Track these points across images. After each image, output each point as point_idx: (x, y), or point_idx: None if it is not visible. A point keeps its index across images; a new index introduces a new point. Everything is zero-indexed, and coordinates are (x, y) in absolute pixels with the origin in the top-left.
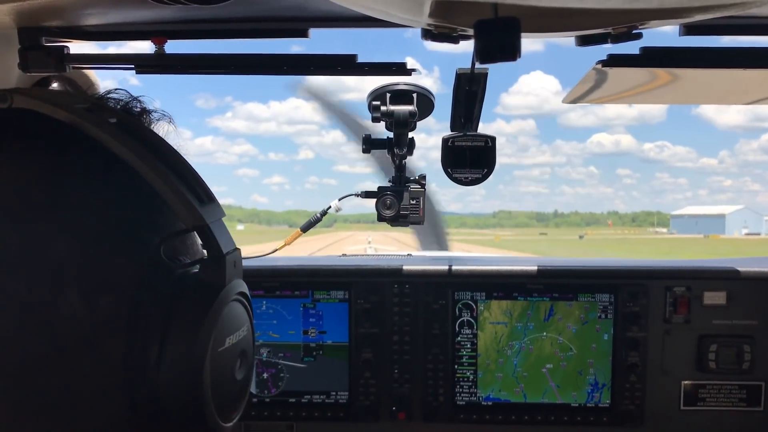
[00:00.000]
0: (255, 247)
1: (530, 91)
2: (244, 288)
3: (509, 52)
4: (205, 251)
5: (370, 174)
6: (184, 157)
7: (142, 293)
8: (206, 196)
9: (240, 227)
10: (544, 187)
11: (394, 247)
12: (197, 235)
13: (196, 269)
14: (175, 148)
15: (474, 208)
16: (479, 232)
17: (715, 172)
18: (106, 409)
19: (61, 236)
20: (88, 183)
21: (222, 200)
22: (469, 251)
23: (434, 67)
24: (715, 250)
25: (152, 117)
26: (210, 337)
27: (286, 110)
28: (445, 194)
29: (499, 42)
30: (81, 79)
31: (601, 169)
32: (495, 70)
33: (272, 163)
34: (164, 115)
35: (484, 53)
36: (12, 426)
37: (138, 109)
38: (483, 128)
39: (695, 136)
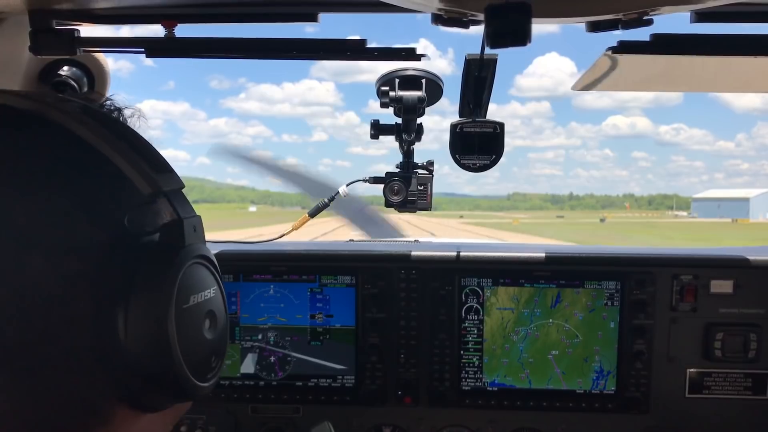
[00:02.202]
0: (266, 229)
1: (545, 73)
2: (208, 253)
3: (520, 37)
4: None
5: (384, 155)
6: (137, 130)
7: (107, 258)
8: (162, 167)
9: (252, 209)
10: (559, 170)
11: (405, 231)
12: (161, 206)
13: (157, 235)
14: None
15: (488, 191)
16: (493, 215)
17: (732, 156)
18: (78, 368)
19: (23, 206)
20: (51, 159)
21: (236, 182)
22: (490, 237)
23: (449, 49)
24: (753, 236)
25: (125, 114)
26: (172, 292)
27: (300, 91)
28: (459, 177)
29: (509, 27)
30: (91, 62)
31: (617, 152)
32: (509, 52)
33: (286, 144)
34: (137, 112)
35: (494, 38)
36: None
37: (112, 107)
38: (498, 110)
39: (712, 118)
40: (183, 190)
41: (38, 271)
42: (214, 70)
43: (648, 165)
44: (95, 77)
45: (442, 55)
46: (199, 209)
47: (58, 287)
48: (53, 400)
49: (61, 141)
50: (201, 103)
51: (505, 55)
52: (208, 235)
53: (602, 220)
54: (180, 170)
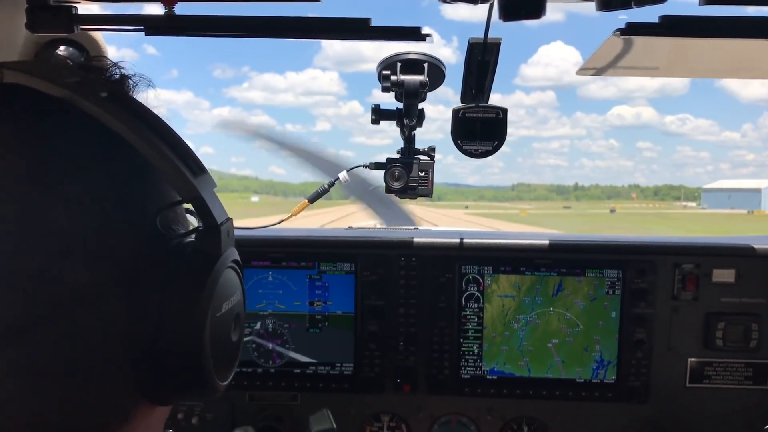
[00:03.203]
0: (268, 219)
1: (550, 62)
2: (237, 256)
3: (534, 8)
4: (193, 220)
5: (388, 145)
6: (172, 127)
7: (141, 261)
8: (198, 168)
9: (255, 198)
10: (564, 160)
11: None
12: (189, 206)
13: (190, 239)
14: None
15: (492, 181)
16: (499, 206)
17: (738, 146)
18: (109, 372)
19: (63, 210)
20: (86, 158)
21: (240, 171)
22: (498, 228)
23: (453, 37)
24: None
25: (132, 81)
26: (209, 303)
27: (303, 81)
28: (464, 166)
29: None
30: (88, 41)
31: (622, 142)
32: (513, 40)
33: (289, 134)
34: (143, 79)
35: (507, 9)
36: (15, 389)
37: (118, 76)
38: (502, 100)
39: (718, 108)
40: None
41: (74, 275)
42: (218, 59)
43: (653, 155)
44: (92, 57)
45: (446, 44)
46: None
47: (94, 291)
48: (80, 403)
49: (95, 138)
50: (204, 92)
51: (508, 44)
52: None
53: (612, 211)
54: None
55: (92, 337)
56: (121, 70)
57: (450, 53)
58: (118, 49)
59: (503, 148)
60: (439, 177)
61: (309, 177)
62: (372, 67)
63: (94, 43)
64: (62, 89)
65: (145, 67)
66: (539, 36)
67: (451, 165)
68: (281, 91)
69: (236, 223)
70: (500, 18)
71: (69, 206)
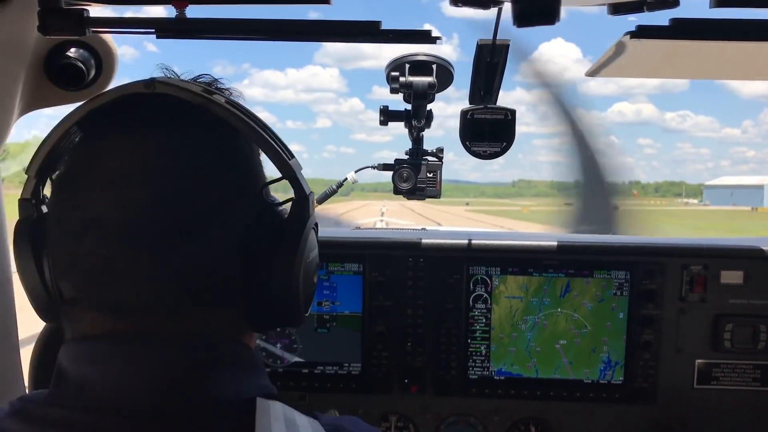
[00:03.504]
0: None
1: (550, 58)
2: (317, 221)
3: (548, 14)
4: (276, 196)
5: (389, 142)
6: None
7: (256, 222)
8: (290, 154)
9: None
10: (564, 157)
11: (409, 219)
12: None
13: (287, 207)
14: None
15: (493, 178)
16: (500, 202)
17: (738, 143)
18: (226, 313)
19: (212, 184)
20: (222, 148)
21: None
22: (502, 226)
23: (453, 34)
24: None
25: (232, 92)
26: (303, 252)
27: (304, 78)
28: (464, 163)
29: (537, 4)
30: (99, 43)
31: (622, 139)
32: (514, 36)
33: (290, 131)
34: (239, 95)
35: (522, 16)
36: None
37: (224, 88)
38: (503, 96)
39: (718, 105)
40: None
41: (218, 234)
42: (218, 56)
43: (653, 152)
44: (102, 60)
45: (447, 40)
46: None
47: (233, 247)
48: (215, 316)
49: (221, 133)
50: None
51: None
52: None
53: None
54: None
55: (221, 249)
56: (222, 84)
57: (450, 50)
58: (119, 46)
59: None
60: None
61: (309, 173)
62: (372, 63)
63: (105, 45)
64: (197, 97)
65: (145, 65)
66: (540, 33)
67: (452, 161)
68: (281, 87)
69: None
70: (514, 24)
71: (217, 182)
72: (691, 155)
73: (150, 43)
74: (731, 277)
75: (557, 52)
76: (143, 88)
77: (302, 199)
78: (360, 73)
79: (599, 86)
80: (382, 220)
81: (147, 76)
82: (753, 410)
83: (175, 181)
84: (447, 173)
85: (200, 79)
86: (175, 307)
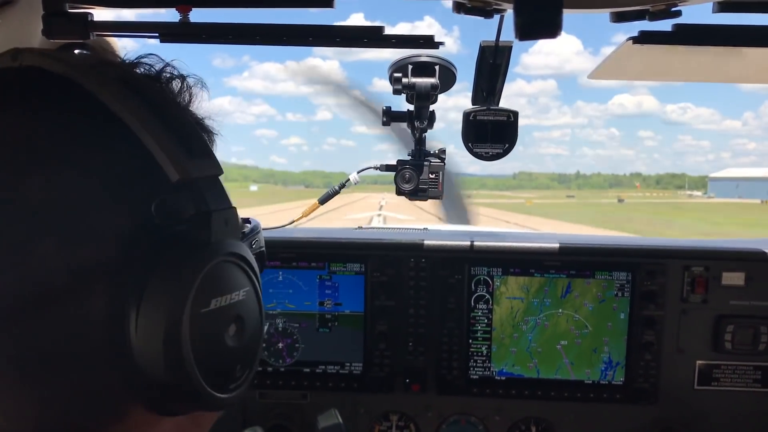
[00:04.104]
0: (264, 208)
1: (551, 50)
2: (242, 251)
3: (551, 28)
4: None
5: (389, 136)
6: (180, 105)
7: (128, 250)
8: (199, 151)
9: (254, 188)
10: (564, 149)
11: (408, 213)
12: (190, 195)
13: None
14: (202, 112)
15: (493, 170)
16: (501, 194)
17: (739, 135)
18: (89, 365)
19: (37, 181)
20: (75, 131)
21: (241, 161)
22: (510, 221)
23: (454, 27)
24: None
25: (189, 82)
26: (187, 295)
27: (304, 71)
28: (464, 156)
29: (540, 18)
30: (103, 47)
31: (623, 131)
32: (513, 30)
33: (290, 123)
34: (199, 82)
35: (524, 30)
36: None
37: (168, 75)
38: (503, 88)
39: (719, 97)
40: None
41: (50, 259)
42: (218, 49)
43: (654, 144)
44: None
45: (447, 33)
46: None
47: (71, 278)
48: (64, 396)
49: (89, 112)
50: (204, 81)
51: (508, 33)
52: None
53: (621, 201)
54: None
55: (69, 328)
56: (175, 69)
57: (451, 43)
58: (119, 38)
59: None
60: None
61: (310, 166)
62: (373, 56)
63: (110, 48)
64: (68, 69)
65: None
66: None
67: (453, 154)
68: (281, 80)
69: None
70: (516, 37)
71: (46, 179)
72: (692, 147)
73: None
74: (732, 278)
75: (558, 44)
76: (10, 61)
77: (200, 216)
78: (360, 65)
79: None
80: (379, 215)
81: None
82: (753, 411)
83: None
84: (447, 166)
85: (143, 60)
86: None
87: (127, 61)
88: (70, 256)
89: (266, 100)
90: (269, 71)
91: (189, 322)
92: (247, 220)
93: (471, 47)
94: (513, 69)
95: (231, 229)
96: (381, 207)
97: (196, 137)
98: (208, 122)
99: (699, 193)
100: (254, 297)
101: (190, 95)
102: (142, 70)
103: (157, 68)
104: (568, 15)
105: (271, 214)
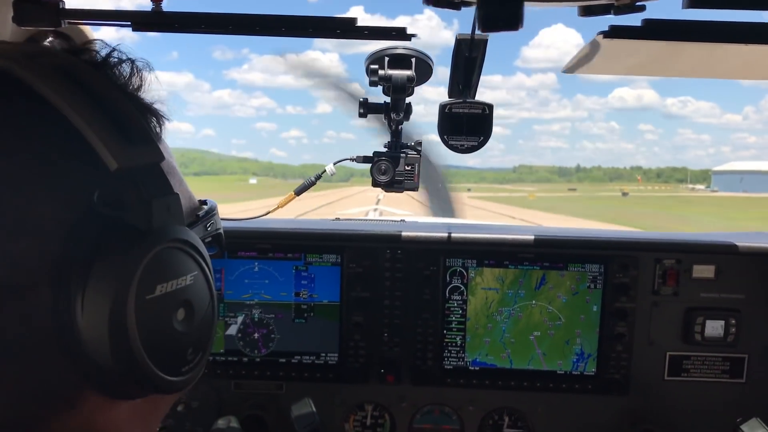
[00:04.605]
0: (262, 202)
1: (551, 44)
2: (186, 235)
3: (512, 21)
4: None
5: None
6: (120, 90)
7: (71, 241)
8: (139, 137)
9: (253, 181)
10: (564, 142)
11: (407, 208)
12: (130, 183)
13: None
14: (151, 97)
15: (493, 163)
16: (501, 188)
17: (740, 129)
18: (37, 355)
19: None
20: (7, 121)
21: (240, 153)
22: (515, 216)
23: (454, 20)
24: None
25: (137, 66)
26: (131, 281)
27: (304, 63)
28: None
29: (502, 11)
30: (76, 34)
31: (623, 125)
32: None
33: (290, 116)
34: (147, 65)
35: (486, 22)
36: None
37: (116, 60)
38: (503, 81)
39: (719, 91)
40: (182, 162)
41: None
42: (217, 41)
43: (654, 138)
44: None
45: (447, 27)
46: (198, 181)
47: (11, 272)
48: (14, 386)
49: (22, 101)
50: (204, 74)
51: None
52: None
53: (625, 194)
54: (184, 142)
55: (13, 320)
56: (122, 53)
57: (449, 35)
58: (117, 30)
59: (504, 130)
60: (438, 158)
61: (309, 159)
62: (373, 48)
63: (82, 36)
64: (3, 59)
65: (145, 49)
66: (540, 18)
67: (441, 156)
68: (281, 72)
69: (230, 206)
70: (479, 29)
71: None
72: (692, 141)
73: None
74: (703, 271)
75: (558, 37)
76: None
77: (140, 203)
78: (360, 57)
79: None
80: (376, 209)
81: (144, 60)
82: (721, 401)
83: None
84: (447, 159)
85: (88, 46)
86: None
87: (70, 49)
88: (9, 250)
89: (266, 92)
90: (269, 64)
91: (134, 309)
92: (204, 202)
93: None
94: (513, 62)
95: (174, 215)
96: (378, 201)
97: (135, 124)
98: (158, 107)
99: (702, 187)
100: (203, 281)
101: (141, 80)
102: (88, 57)
103: (103, 54)
104: (572, 9)
105: (267, 208)
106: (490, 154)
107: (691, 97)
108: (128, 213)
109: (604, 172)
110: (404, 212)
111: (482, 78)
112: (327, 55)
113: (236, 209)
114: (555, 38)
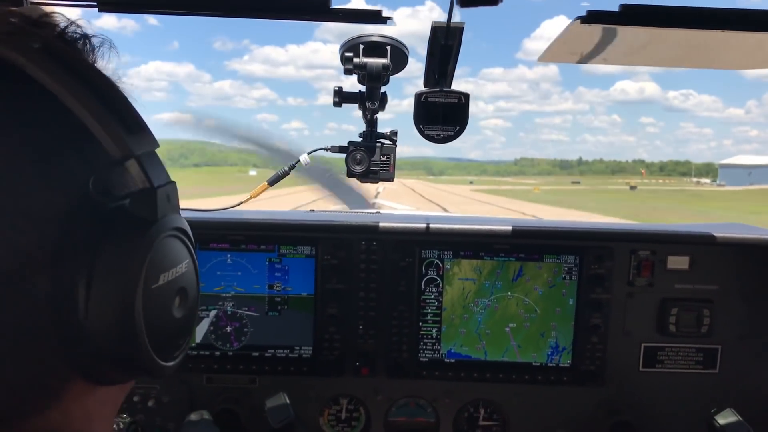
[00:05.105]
0: (266, 193)
1: (553, 36)
2: (182, 224)
3: None
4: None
5: (390, 120)
6: (120, 86)
7: (69, 228)
8: (136, 126)
9: (253, 173)
10: (565, 135)
11: (409, 202)
12: (131, 171)
13: (127, 202)
14: (114, 76)
15: (494, 156)
16: (503, 180)
17: (742, 122)
18: (33, 347)
19: None
20: (3, 108)
21: (242, 145)
22: (525, 212)
23: (455, 12)
24: None
25: (93, 42)
26: (140, 272)
27: (305, 54)
28: (465, 141)
29: None
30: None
31: (624, 118)
32: (515, 14)
33: (291, 108)
34: (104, 41)
35: None
36: None
37: (77, 35)
38: (504, 74)
39: (722, 85)
40: (183, 154)
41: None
42: (218, 32)
43: (656, 131)
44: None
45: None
46: (198, 172)
47: (10, 260)
48: (7, 371)
49: (17, 87)
50: (205, 64)
51: (511, 17)
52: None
53: (633, 188)
54: (184, 133)
55: (11, 310)
56: (79, 29)
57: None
58: (119, 19)
59: (505, 122)
60: (440, 152)
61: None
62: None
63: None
64: None
65: (147, 38)
66: (542, 10)
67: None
68: (282, 64)
69: (228, 199)
70: (457, 4)
71: None
72: (694, 135)
73: (151, 17)
74: (677, 262)
75: (560, 29)
76: None
77: (144, 193)
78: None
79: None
80: (373, 204)
81: (147, 51)
82: (695, 391)
83: None
84: (448, 151)
85: (44, 20)
86: None
87: (30, 23)
88: (6, 237)
89: (267, 83)
90: (270, 55)
91: (142, 299)
92: None
93: (473, 31)
94: (515, 55)
95: (173, 204)
96: (377, 194)
97: (131, 110)
98: (121, 85)
99: (707, 181)
100: (193, 267)
101: (109, 56)
102: (52, 33)
103: (62, 27)
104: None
105: (265, 200)
106: (491, 147)
107: (693, 90)
108: (134, 202)
109: (606, 165)
110: (405, 207)
111: (483, 70)
112: (328, 46)
113: (236, 201)
114: (557, 30)
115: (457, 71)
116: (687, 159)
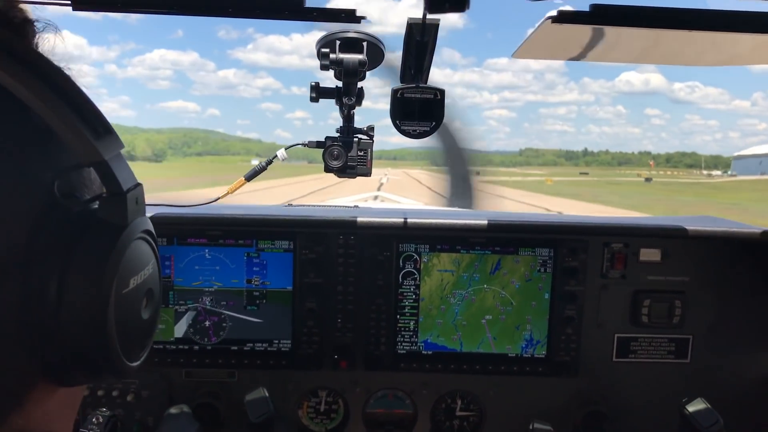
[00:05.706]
0: (257, 184)
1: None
2: (148, 225)
3: (459, 2)
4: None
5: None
6: (75, 81)
7: (37, 232)
8: (103, 128)
9: (255, 162)
10: (571, 126)
11: (413, 196)
12: (99, 174)
13: (95, 206)
14: (65, 68)
15: (499, 146)
16: (509, 171)
17: (748, 115)
18: (3, 352)
19: None
20: None
21: (246, 134)
22: (550, 208)
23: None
24: None
25: (36, 27)
26: (113, 280)
27: (309, 43)
28: (469, 132)
29: None
30: (13, 13)
31: (630, 109)
32: (519, 4)
33: (295, 97)
34: (49, 25)
35: (433, 3)
36: None
37: (19, 19)
38: (509, 64)
39: (728, 77)
40: (186, 142)
41: None
42: (223, 20)
43: (662, 123)
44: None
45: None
46: (201, 161)
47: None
48: None
49: None
50: (210, 53)
51: (514, 9)
52: (164, 195)
53: (648, 180)
54: (189, 122)
55: None
56: (23, 13)
57: (456, 17)
58: (124, 15)
59: (509, 113)
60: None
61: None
62: (378, 30)
63: (21, 14)
64: None
65: (151, 26)
66: (541, 6)
67: (458, 130)
68: (286, 53)
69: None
70: (426, 11)
71: None
72: (699, 126)
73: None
74: (649, 254)
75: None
76: None
77: (115, 198)
78: None
79: None
80: (376, 197)
81: (151, 39)
82: (667, 381)
83: None
84: (460, 142)
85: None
86: None
87: None
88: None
89: (271, 73)
90: (274, 44)
91: (114, 303)
92: None
93: (478, 21)
94: (520, 44)
95: (140, 207)
96: (380, 186)
97: (96, 113)
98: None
99: (719, 172)
100: (157, 267)
101: (54, 42)
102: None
103: (13, 14)
104: None
105: (265, 190)
106: (495, 137)
107: (698, 82)
108: (104, 207)
109: (612, 156)
110: (408, 200)
111: (489, 60)
112: None
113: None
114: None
115: (463, 62)
116: (693, 151)
